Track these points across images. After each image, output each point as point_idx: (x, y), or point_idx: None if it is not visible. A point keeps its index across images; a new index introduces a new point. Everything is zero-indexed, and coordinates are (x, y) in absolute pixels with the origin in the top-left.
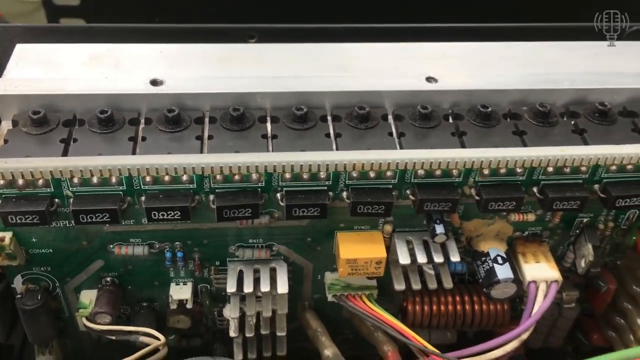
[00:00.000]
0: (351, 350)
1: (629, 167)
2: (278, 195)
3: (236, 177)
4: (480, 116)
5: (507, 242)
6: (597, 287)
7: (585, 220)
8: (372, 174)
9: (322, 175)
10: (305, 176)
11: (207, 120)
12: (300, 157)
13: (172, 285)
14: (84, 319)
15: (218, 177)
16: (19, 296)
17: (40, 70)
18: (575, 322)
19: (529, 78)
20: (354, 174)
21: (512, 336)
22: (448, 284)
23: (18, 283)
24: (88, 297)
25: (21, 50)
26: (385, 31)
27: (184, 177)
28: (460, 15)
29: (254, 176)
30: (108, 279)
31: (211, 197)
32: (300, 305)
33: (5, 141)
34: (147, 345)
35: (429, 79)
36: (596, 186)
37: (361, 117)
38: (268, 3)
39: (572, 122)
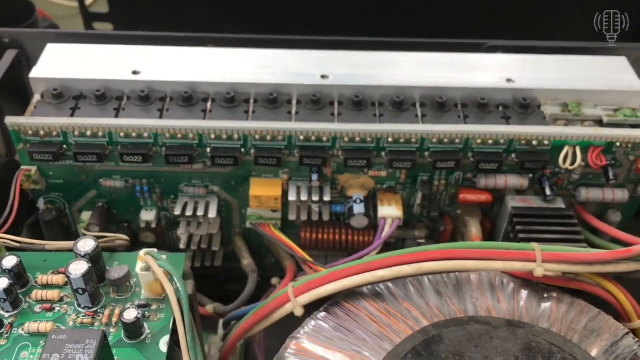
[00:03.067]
0: (275, 272)
1: (446, 140)
2: (208, 149)
3: (179, 135)
4: (355, 104)
5: (370, 192)
6: (439, 227)
7: (424, 178)
8: (269, 138)
9: (236, 137)
10: (224, 137)
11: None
12: (221, 125)
13: (142, 210)
14: (82, 230)
15: (167, 135)
16: (40, 212)
17: (62, 62)
18: None
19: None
20: (257, 137)
21: (365, 252)
22: (325, 217)
23: (41, 203)
24: (86, 216)
25: (51, 48)
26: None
27: (145, 134)
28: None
29: (191, 135)
30: (100, 203)
31: (163, 148)
32: (232, 232)
33: (35, 107)
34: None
35: None
36: (426, 153)
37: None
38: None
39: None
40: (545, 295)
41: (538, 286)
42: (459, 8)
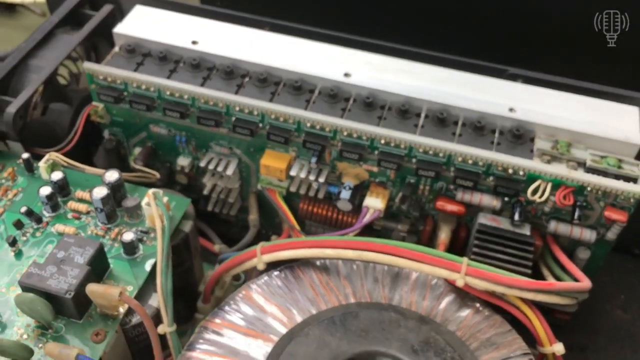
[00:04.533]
0: (280, 231)
1: (430, 152)
2: (232, 118)
3: (211, 103)
4: (365, 104)
5: (364, 182)
6: (418, 226)
7: (411, 181)
8: (281, 119)
9: (255, 113)
10: (246, 111)
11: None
12: (245, 101)
13: (180, 156)
14: (132, 161)
15: (202, 100)
16: (104, 142)
17: (143, 22)
18: None
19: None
20: (272, 117)
21: (344, 232)
22: (320, 195)
23: (106, 134)
24: (138, 151)
25: (138, 9)
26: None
27: (185, 97)
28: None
29: (220, 105)
30: (149, 144)
31: (197, 110)
32: (249, 190)
33: (111, 57)
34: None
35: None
36: (413, 159)
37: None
38: None
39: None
40: (468, 304)
41: (466, 296)
42: (490, 30)
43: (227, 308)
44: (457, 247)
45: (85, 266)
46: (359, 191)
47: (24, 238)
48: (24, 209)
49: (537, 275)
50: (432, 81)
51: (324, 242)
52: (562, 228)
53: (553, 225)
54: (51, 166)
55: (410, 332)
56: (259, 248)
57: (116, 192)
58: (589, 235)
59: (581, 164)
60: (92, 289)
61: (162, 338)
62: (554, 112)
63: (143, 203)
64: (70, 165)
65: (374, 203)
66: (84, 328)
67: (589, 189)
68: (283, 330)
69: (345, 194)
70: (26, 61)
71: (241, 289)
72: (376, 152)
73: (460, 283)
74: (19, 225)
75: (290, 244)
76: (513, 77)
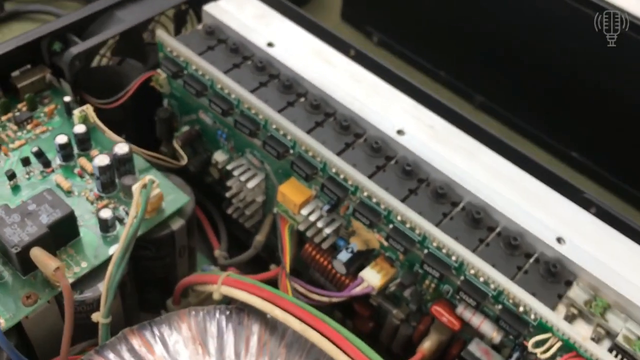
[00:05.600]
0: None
1: (444, 251)
2: (267, 133)
3: (253, 111)
4: (404, 172)
5: (374, 251)
6: (411, 321)
7: (419, 270)
8: (310, 154)
9: (289, 137)
10: (281, 132)
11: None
12: (284, 122)
13: (219, 150)
14: (175, 138)
15: (245, 105)
16: (159, 110)
17: (234, 7)
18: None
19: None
20: (303, 148)
21: (326, 293)
22: (326, 245)
23: (165, 103)
24: (184, 129)
25: None
26: None
27: (232, 95)
28: None
29: (260, 116)
30: (196, 127)
31: (238, 112)
32: (269, 211)
33: (191, 32)
34: None
35: None
36: (424, 250)
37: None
38: None
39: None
40: None
41: None
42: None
43: (154, 328)
44: None
45: (44, 227)
46: (363, 257)
47: (27, 176)
48: (34, 149)
49: None
50: (489, 172)
51: (279, 300)
52: None
53: None
54: (82, 117)
55: None
56: (222, 278)
57: (121, 165)
58: None
59: (610, 336)
60: (35, 253)
61: (96, 325)
62: (611, 263)
63: (134, 186)
64: (97, 123)
65: (371, 277)
66: (22, 285)
67: None
68: None
69: (343, 256)
70: (113, 10)
71: (183, 311)
72: (390, 225)
73: None
74: (26, 162)
75: (250, 287)
76: (586, 203)
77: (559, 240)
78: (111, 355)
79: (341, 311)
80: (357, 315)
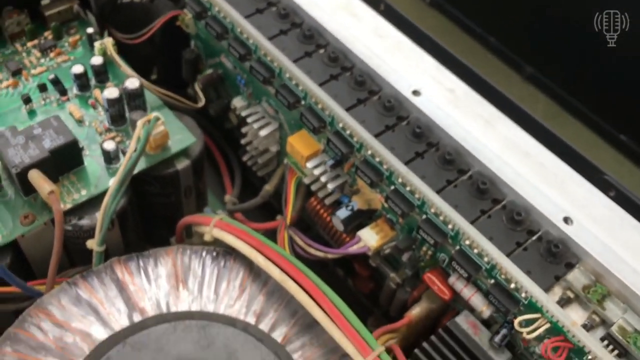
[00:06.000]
0: None
1: (441, 218)
2: (280, 82)
3: (268, 58)
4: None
5: (376, 212)
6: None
7: (417, 236)
8: (320, 106)
9: (300, 88)
10: (294, 82)
11: None
12: (298, 72)
13: (238, 96)
14: (198, 79)
15: (262, 52)
16: (185, 51)
17: None
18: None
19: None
20: (313, 100)
21: (321, 248)
22: (329, 201)
23: (192, 44)
24: (207, 72)
25: None
26: None
27: (250, 41)
28: None
29: (275, 64)
30: (219, 71)
31: (255, 59)
32: (282, 162)
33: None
34: None
35: None
36: (423, 215)
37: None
38: None
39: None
40: None
41: None
42: None
43: (140, 260)
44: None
45: (46, 152)
46: (364, 217)
47: (43, 102)
48: (51, 77)
49: None
50: (504, 143)
51: (265, 248)
52: None
53: None
54: (102, 50)
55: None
56: (215, 221)
57: (132, 99)
58: None
59: (605, 325)
60: (32, 175)
61: (90, 253)
62: (620, 250)
63: (139, 122)
64: (112, 55)
65: (369, 237)
66: (22, 205)
67: (589, 357)
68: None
69: (342, 213)
70: None
71: (171, 248)
72: (392, 187)
73: None
74: (42, 88)
75: (239, 232)
76: (606, 185)
77: (567, 220)
78: (95, 281)
79: (343, 269)
80: (357, 275)
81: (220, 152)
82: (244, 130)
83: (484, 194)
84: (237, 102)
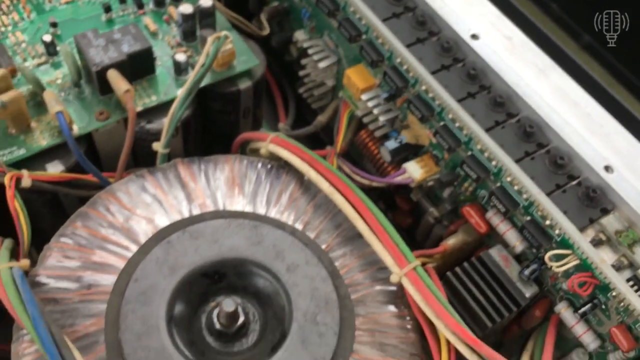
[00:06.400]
0: None
1: (486, 154)
2: (345, 15)
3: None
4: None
5: (423, 148)
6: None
7: (460, 173)
8: (380, 41)
9: (363, 22)
10: (357, 16)
11: None
12: (361, 5)
13: (300, 30)
14: (264, 10)
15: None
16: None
17: None
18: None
19: None
20: (374, 35)
21: (368, 177)
22: (379, 133)
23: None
24: (273, 4)
25: None
26: None
27: None
28: None
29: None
30: (285, 4)
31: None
32: (336, 96)
33: None
34: None
35: None
36: (468, 151)
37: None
38: None
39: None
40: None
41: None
42: None
43: (201, 163)
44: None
45: (124, 55)
46: (410, 151)
47: (121, 13)
48: None
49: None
50: (554, 92)
51: (317, 164)
52: (567, 316)
53: (561, 306)
54: None
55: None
56: (272, 137)
57: (204, 18)
58: (590, 340)
59: (633, 268)
60: (111, 74)
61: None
62: None
63: (209, 37)
64: None
65: (413, 170)
66: (98, 103)
67: (614, 294)
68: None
69: (391, 144)
70: None
71: (229, 156)
72: (441, 122)
73: (394, 279)
74: (122, 0)
75: (294, 148)
76: None
77: (607, 168)
78: (159, 176)
79: (384, 203)
80: (398, 208)
81: (276, 83)
82: (303, 62)
83: (529, 137)
84: (299, 35)
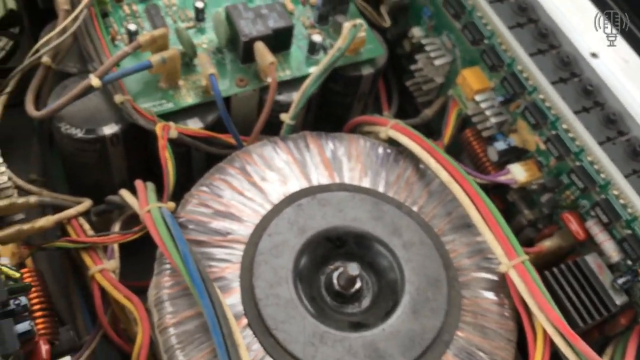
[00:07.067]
0: None
1: (595, 166)
2: (469, 19)
3: None
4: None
5: (529, 152)
6: (537, 224)
7: (565, 181)
8: (502, 47)
9: (488, 28)
10: (483, 21)
11: None
12: (483, 5)
13: (417, 27)
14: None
15: None
16: None
17: None
18: None
19: None
20: (498, 40)
21: (477, 175)
22: (486, 134)
23: None
24: None
25: None
26: None
27: None
28: None
29: (469, 2)
30: (407, 0)
31: None
32: (443, 93)
33: None
34: None
35: None
36: (576, 162)
37: None
38: None
39: None
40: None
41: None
42: None
43: (328, 138)
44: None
45: (270, 29)
46: (515, 154)
47: None
48: None
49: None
50: None
51: (436, 153)
52: None
53: None
54: None
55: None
56: (392, 123)
57: (339, 4)
58: None
59: None
60: (258, 45)
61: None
62: None
63: (346, 23)
64: None
65: (518, 172)
66: (238, 71)
67: None
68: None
69: (500, 145)
70: None
71: (354, 135)
72: (553, 131)
73: (502, 268)
74: None
75: (414, 136)
76: None
77: None
78: (290, 144)
79: None
80: None
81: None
82: (417, 57)
83: (638, 155)
84: (416, 31)
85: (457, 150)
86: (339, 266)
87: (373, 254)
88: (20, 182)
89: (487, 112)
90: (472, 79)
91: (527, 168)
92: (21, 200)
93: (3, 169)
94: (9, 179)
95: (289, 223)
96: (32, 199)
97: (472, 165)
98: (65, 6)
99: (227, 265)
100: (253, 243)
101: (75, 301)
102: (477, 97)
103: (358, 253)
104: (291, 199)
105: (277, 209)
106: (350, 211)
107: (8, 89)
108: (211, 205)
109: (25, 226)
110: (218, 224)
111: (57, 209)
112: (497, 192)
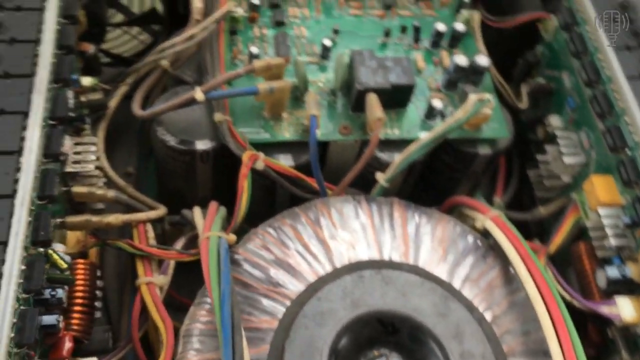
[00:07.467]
0: None
1: None
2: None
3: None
4: None
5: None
6: None
7: None
8: None
9: (634, 138)
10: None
11: None
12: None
13: (555, 115)
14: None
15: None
16: (530, 52)
17: None
18: None
19: None
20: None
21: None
22: (600, 253)
23: (537, 49)
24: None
25: None
26: None
27: (606, 71)
28: None
29: (619, 105)
30: (552, 84)
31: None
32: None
33: None
34: None
35: None
36: None
37: None
38: None
39: None
40: None
41: None
42: None
43: (415, 212)
44: None
45: (389, 83)
46: (628, 287)
47: (397, 41)
48: (415, 23)
49: None
50: None
51: (529, 260)
52: None
53: None
54: (466, 19)
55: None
56: (493, 214)
57: (472, 74)
58: None
59: None
60: (371, 98)
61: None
62: None
63: (472, 95)
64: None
65: (626, 308)
66: (346, 118)
67: None
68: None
69: (612, 272)
70: None
71: (446, 216)
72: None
73: None
74: (403, 29)
75: (512, 235)
76: None
77: None
78: (374, 208)
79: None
80: (585, 336)
81: (505, 154)
82: (547, 147)
83: None
84: (554, 120)
85: (566, 261)
86: (384, 354)
87: (425, 352)
88: (111, 173)
89: (609, 231)
90: (601, 188)
91: (638, 306)
92: (100, 191)
93: (93, 157)
94: (99, 168)
95: (344, 292)
96: (110, 193)
97: (577, 285)
98: (197, 16)
99: (267, 318)
100: (300, 302)
101: (126, 302)
102: (602, 211)
103: (409, 346)
104: (354, 267)
105: (336, 274)
106: (414, 298)
107: (129, 80)
108: (272, 250)
109: (95, 218)
110: (272, 271)
111: (132, 209)
112: (597, 323)
